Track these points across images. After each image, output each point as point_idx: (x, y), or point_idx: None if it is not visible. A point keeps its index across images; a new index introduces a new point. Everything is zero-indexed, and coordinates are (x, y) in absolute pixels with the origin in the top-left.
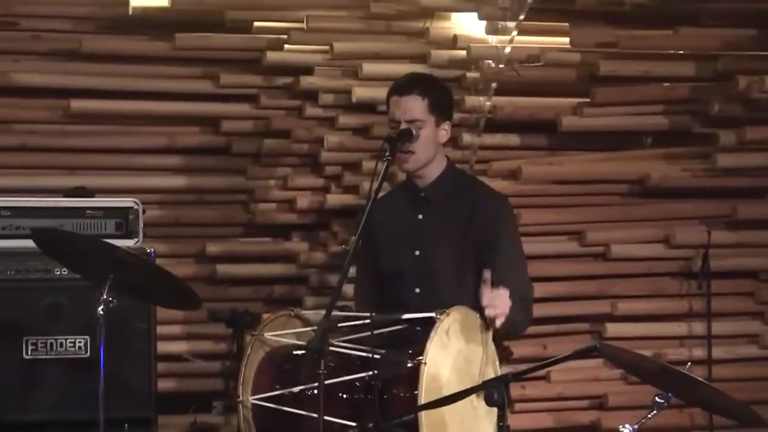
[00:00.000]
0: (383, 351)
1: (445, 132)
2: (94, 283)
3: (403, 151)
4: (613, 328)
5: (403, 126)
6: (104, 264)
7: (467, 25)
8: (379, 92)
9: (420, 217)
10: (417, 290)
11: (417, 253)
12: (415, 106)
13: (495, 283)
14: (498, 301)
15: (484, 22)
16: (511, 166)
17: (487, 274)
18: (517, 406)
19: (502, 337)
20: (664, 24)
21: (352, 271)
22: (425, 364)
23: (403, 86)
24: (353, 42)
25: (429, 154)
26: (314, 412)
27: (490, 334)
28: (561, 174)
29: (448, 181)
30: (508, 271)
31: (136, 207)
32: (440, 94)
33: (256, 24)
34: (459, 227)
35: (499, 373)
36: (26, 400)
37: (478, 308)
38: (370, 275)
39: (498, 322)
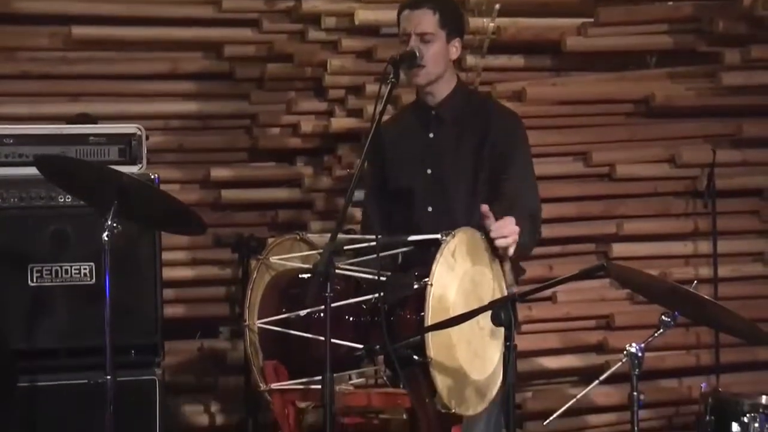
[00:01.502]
0: (389, 273)
1: (455, 49)
2: (98, 209)
3: (413, 65)
4: (619, 248)
5: (413, 41)
6: (108, 190)
7: None
8: (382, 15)
9: (431, 135)
10: (429, 209)
11: (429, 171)
12: (426, 20)
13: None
14: (506, 230)
15: None
16: (515, 87)
17: (484, 208)
18: (524, 327)
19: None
20: None
21: (358, 194)
22: (432, 285)
23: (415, 1)
24: None
25: (439, 70)
26: (321, 335)
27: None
28: (565, 95)
29: (459, 99)
30: (519, 186)
31: (139, 133)
32: (451, 11)
33: None
34: (471, 144)
35: (506, 294)
36: (32, 327)
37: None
38: (381, 199)
39: (511, 251)
